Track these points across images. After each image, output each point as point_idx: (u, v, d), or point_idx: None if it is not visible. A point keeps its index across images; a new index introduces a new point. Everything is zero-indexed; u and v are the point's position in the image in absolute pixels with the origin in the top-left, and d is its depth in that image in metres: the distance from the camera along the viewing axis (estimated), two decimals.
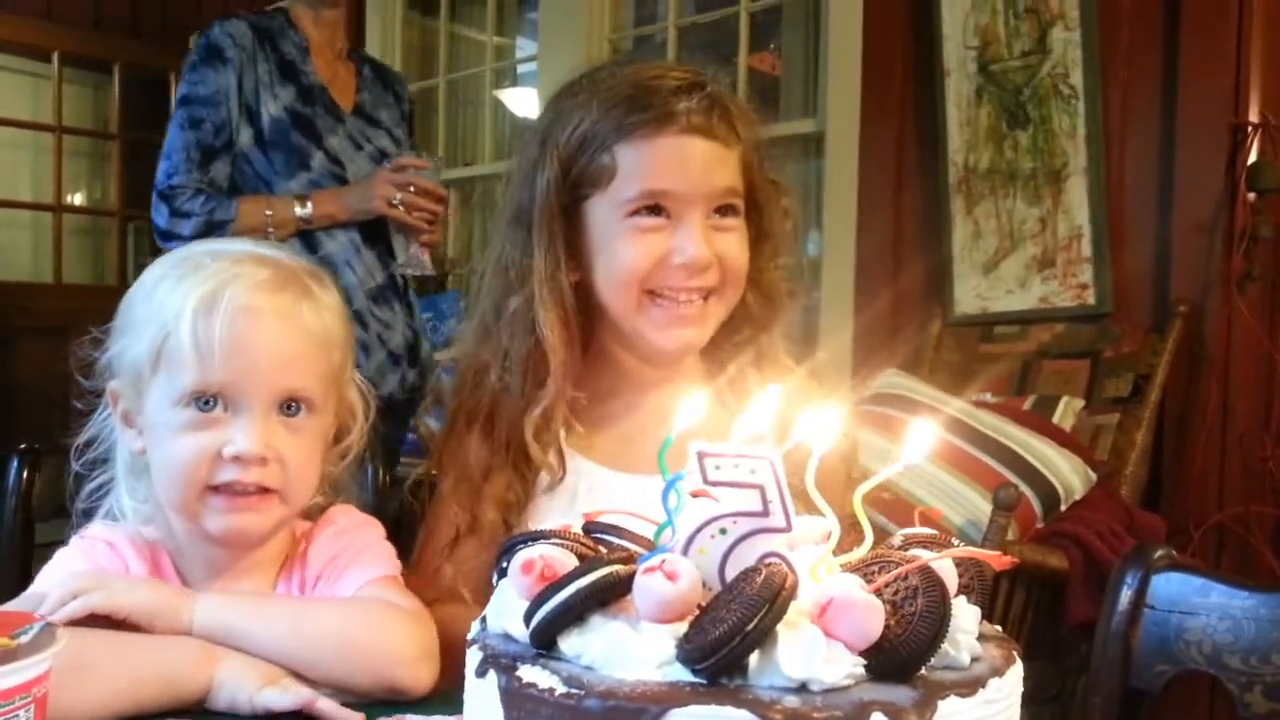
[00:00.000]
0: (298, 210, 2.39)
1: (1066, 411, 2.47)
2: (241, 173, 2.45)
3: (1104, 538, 2.11)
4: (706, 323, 1.24)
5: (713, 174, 1.21)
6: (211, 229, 2.33)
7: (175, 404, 1.01)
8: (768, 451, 0.64)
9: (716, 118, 1.21)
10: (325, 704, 0.94)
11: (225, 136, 2.41)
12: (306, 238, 2.42)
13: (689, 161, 1.19)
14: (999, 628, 0.73)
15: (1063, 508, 2.25)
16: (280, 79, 2.45)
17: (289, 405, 1.04)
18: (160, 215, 2.38)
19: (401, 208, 2.41)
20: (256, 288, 1.03)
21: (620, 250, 1.21)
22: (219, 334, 1.00)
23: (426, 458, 1.39)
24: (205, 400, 1.01)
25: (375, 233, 2.49)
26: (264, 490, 1.03)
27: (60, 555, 1.08)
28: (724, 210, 1.22)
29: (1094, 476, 2.29)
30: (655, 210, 1.20)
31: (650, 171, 1.19)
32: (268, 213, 2.38)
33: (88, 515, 1.12)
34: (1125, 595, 1.06)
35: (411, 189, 2.41)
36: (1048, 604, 2.16)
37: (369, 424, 1.16)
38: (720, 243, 1.21)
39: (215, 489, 1.02)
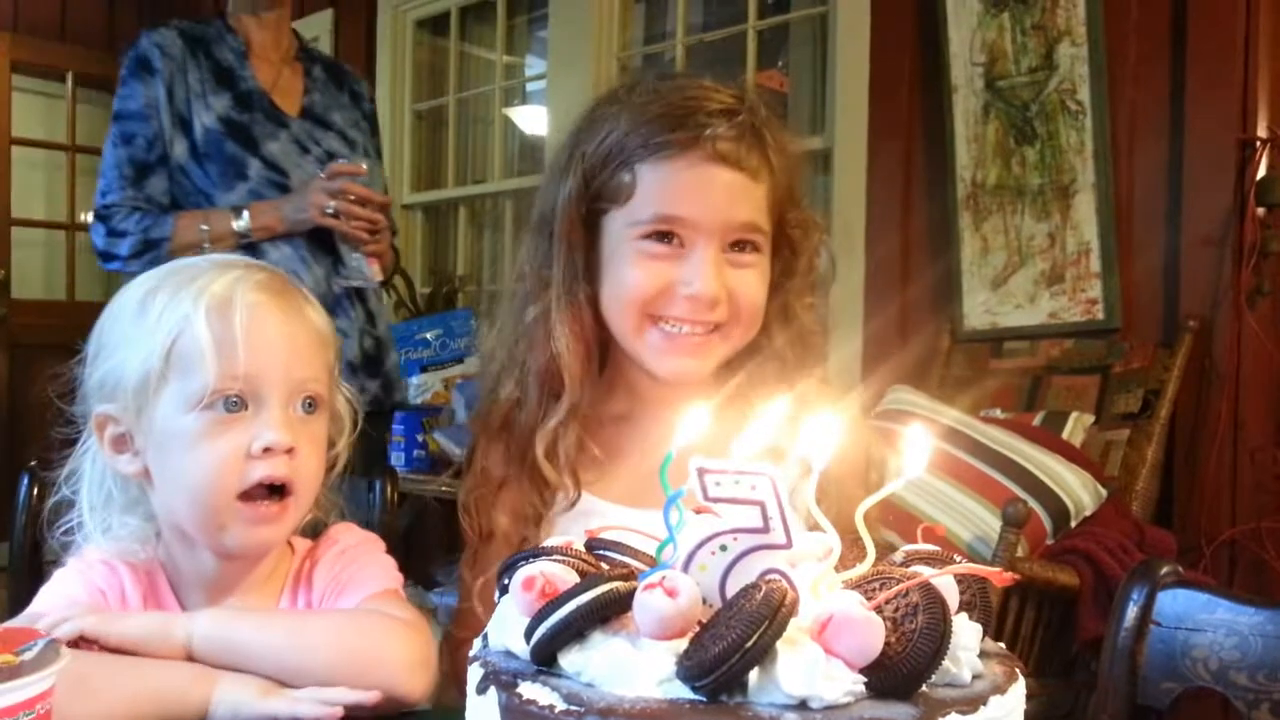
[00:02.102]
0: (235, 224, 2.28)
1: (1076, 427, 2.46)
2: (181, 186, 2.35)
3: (1114, 554, 2.10)
4: (709, 356, 1.19)
5: (733, 206, 1.16)
6: (148, 247, 2.27)
7: (193, 408, 1.00)
8: (768, 468, 0.64)
9: (746, 147, 1.16)
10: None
11: (159, 150, 2.32)
12: (250, 248, 2.28)
13: (708, 190, 1.15)
14: (1002, 645, 0.73)
15: (1073, 524, 2.24)
16: (215, 87, 2.35)
17: (307, 402, 1.05)
18: (98, 235, 2.32)
19: (339, 217, 2.29)
20: (260, 286, 1.04)
21: (626, 271, 1.18)
22: (239, 327, 1.00)
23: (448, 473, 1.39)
24: (231, 400, 1.00)
25: (325, 242, 2.37)
26: (284, 496, 1.03)
27: (58, 576, 1.08)
28: (741, 245, 1.18)
29: (1104, 492, 2.28)
30: (667, 237, 1.16)
31: (667, 196, 1.15)
32: (203, 227, 2.27)
33: (64, 549, 1.12)
34: (1131, 612, 1.06)
35: (349, 197, 2.29)
36: (1059, 621, 2.15)
37: (355, 435, 1.16)
38: (733, 278, 1.17)
39: (241, 498, 1.01)
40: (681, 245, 1.16)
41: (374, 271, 2.39)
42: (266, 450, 1.01)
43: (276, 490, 1.03)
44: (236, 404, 1.01)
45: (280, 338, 1.03)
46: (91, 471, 1.10)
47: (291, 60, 2.50)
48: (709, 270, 1.15)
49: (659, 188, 1.16)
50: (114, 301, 1.08)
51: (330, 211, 2.29)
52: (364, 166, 2.35)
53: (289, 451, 1.02)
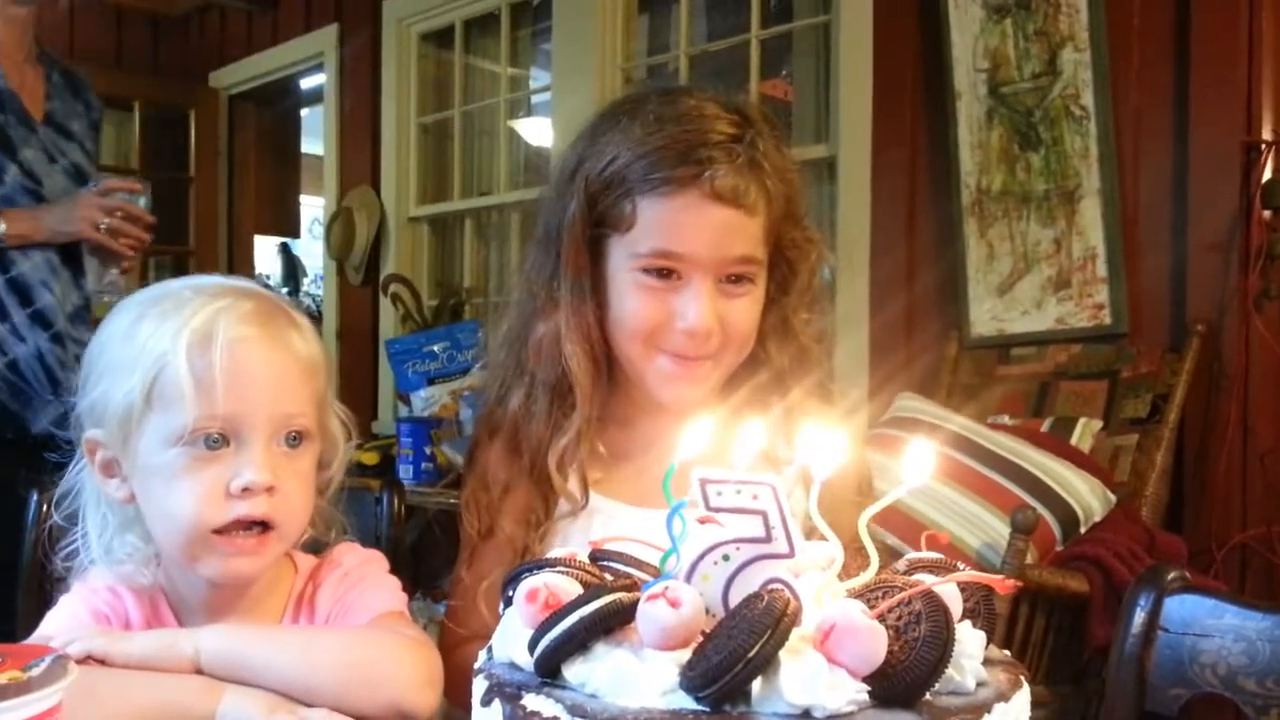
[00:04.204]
0: None
1: (1085, 433, 2.46)
2: None
3: (1124, 559, 2.09)
4: (704, 382, 1.22)
5: (730, 242, 1.17)
6: None
7: (174, 444, 0.99)
8: (770, 477, 0.64)
9: (745, 183, 1.16)
10: None
11: None
12: None
13: (706, 228, 1.16)
14: (1007, 652, 0.73)
15: (1082, 530, 2.23)
16: None
17: (292, 436, 1.04)
18: None
19: (109, 233, 2.27)
20: (246, 318, 1.02)
21: (627, 301, 1.20)
22: (218, 365, 0.98)
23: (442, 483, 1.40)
24: (211, 438, 0.99)
25: (72, 253, 2.33)
26: (265, 530, 1.02)
27: (63, 601, 1.08)
28: (736, 279, 1.20)
29: (1113, 498, 2.27)
30: (664, 271, 1.18)
31: (665, 231, 1.17)
32: None
33: (67, 573, 1.11)
34: (1139, 618, 1.05)
35: (119, 214, 2.27)
36: (1069, 627, 2.14)
37: (350, 454, 1.14)
38: (725, 308, 1.19)
39: (217, 532, 1.00)
40: (679, 278, 1.18)
41: (123, 285, 2.39)
42: (245, 490, 0.99)
43: (257, 523, 1.02)
44: (217, 441, 0.99)
45: (263, 373, 1.01)
46: (90, 493, 1.10)
47: (34, 62, 2.37)
48: (703, 304, 1.17)
49: (657, 223, 1.17)
50: (104, 326, 1.07)
51: (102, 227, 2.26)
52: (139, 185, 2.36)
53: (270, 489, 1.00)
